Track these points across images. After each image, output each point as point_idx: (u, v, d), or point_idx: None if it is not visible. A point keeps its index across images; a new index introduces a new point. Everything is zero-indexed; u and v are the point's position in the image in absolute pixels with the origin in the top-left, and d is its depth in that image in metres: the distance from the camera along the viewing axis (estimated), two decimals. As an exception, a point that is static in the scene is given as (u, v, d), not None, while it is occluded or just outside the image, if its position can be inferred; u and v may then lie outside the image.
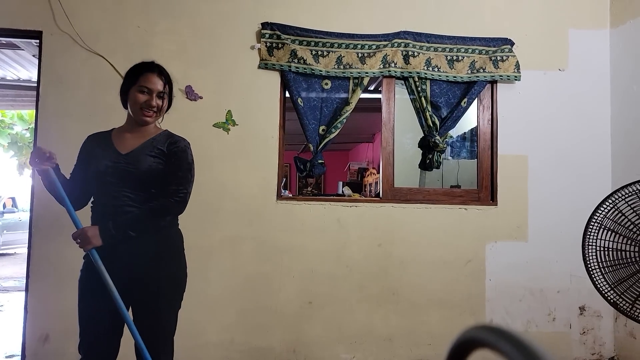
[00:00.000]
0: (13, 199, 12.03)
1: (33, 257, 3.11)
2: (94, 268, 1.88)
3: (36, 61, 3.75)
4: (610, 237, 2.37)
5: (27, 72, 5.13)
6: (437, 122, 3.49)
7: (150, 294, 1.96)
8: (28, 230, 3.16)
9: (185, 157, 2.03)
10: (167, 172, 1.99)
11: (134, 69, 2.04)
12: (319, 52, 3.35)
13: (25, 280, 3.16)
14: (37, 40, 3.23)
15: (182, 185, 1.99)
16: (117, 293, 1.85)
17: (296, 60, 3.31)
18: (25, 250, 4.66)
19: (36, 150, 1.89)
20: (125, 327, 1.94)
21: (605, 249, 2.38)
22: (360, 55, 3.38)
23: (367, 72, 3.38)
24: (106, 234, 1.86)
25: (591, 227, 2.41)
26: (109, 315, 1.92)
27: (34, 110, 3.24)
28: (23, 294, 3.20)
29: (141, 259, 1.93)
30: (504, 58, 3.48)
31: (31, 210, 3.13)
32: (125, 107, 2.06)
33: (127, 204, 1.93)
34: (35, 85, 3.20)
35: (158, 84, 2.00)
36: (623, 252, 2.32)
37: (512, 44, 3.52)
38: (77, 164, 2.08)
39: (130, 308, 1.99)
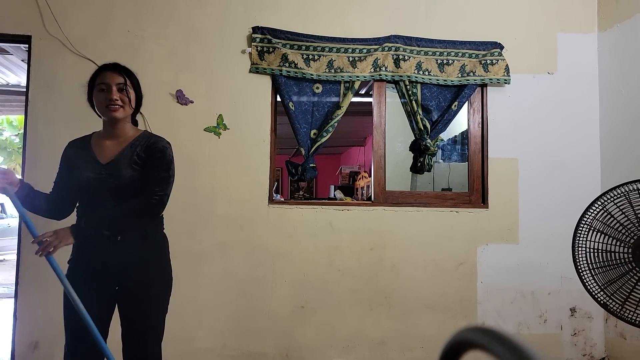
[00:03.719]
0: (2, 204, 11.91)
1: (22, 264, 3.08)
2: (79, 274, 1.91)
3: (25, 66, 3.72)
4: (599, 239, 2.38)
5: (16, 76, 5.09)
6: (428, 126, 3.50)
7: (139, 298, 1.95)
8: (17, 237, 3.13)
9: (164, 158, 1.99)
10: (146, 175, 1.96)
11: (91, 77, 2.02)
12: (310, 56, 3.36)
13: (14, 287, 3.12)
14: (26, 45, 3.20)
15: (159, 187, 1.94)
16: (79, 301, 1.82)
17: (287, 65, 3.31)
18: (14, 257, 4.61)
19: None
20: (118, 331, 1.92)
21: (595, 250, 2.39)
22: (351, 59, 3.39)
23: (358, 76, 3.39)
24: (77, 231, 1.85)
25: (581, 229, 2.43)
26: (96, 322, 1.91)
27: (23, 116, 3.21)
28: (12, 300, 3.16)
29: (129, 264, 1.93)
30: (494, 62, 3.51)
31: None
32: (100, 116, 2.04)
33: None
34: (24, 90, 3.18)
35: (115, 78, 1.97)
36: (612, 254, 2.34)
37: (502, 47, 3.54)
38: (61, 172, 2.06)
39: (119, 313, 1.98)
